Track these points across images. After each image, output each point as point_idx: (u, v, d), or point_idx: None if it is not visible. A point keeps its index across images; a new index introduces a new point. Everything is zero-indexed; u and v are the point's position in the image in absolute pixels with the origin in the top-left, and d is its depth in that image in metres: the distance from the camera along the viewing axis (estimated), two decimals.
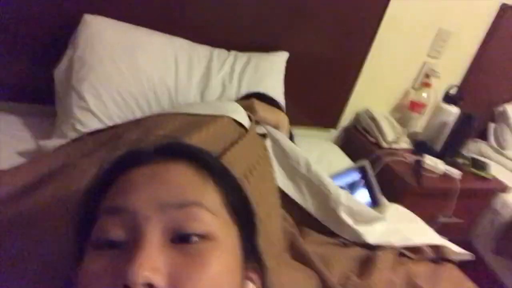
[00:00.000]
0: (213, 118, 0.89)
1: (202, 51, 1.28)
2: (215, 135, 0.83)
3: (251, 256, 0.45)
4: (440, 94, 1.67)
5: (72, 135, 0.99)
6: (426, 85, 1.72)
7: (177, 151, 0.44)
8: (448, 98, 1.63)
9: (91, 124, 1.01)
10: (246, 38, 1.38)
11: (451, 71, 1.82)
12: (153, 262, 0.33)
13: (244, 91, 1.27)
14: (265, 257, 0.48)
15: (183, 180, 0.41)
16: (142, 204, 0.38)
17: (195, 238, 0.37)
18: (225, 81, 1.27)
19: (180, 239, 0.37)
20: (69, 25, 1.09)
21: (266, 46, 1.41)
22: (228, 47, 1.35)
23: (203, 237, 0.37)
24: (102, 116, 1.03)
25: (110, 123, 1.03)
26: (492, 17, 1.74)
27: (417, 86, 1.78)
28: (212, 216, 0.39)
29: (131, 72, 1.09)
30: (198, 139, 0.78)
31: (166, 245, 0.36)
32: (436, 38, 1.70)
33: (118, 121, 1.05)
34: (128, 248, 0.36)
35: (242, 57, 1.34)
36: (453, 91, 1.64)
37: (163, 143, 0.45)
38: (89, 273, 0.35)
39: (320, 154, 1.50)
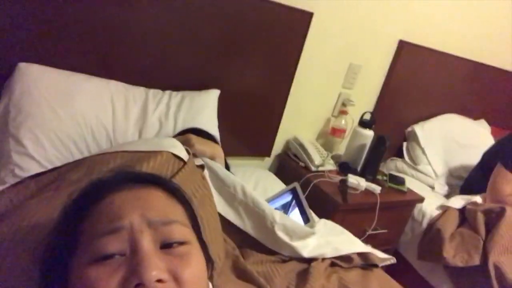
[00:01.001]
0: (153, 153, 0.96)
1: (137, 92, 1.35)
2: (156, 168, 0.90)
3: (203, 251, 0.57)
4: (356, 120, 1.88)
5: (11, 181, 0.99)
6: (344, 112, 1.93)
7: (146, 179, 0.56)
8: (363, 123, 1.84)
9: (31, 168, 1.02)
10: (179, 78, 1.48)
11: (364, 99, 2.05)
12: (156, 264, 0.46)
13: (180, 127, 1.36)
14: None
15: (162, 202, 0.54)
16: (136, 222, 0.49)
17: (176, 245, 0.50)
18: (162, 119, 1.34)
19: (166, 246, 0.49)
20: (2, 74, 1.12)
21: (199, 85, 1.51)
22: (163, 87, 1.44)
23: (182, 243, 0.51)
24: (42, 160, 1.05)
25: (50, 166, 1.05)
26: (393, 51, 2.02)
27: (336, 114, 1.99)
28: (185, 228, 0.53)
29: (69, 115, 1.13)
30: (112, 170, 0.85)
31: (157, 251, 0.48)
32: (348, 71, 1.92)
33: (58, 163, 1.07)
34: (129, 257, 0.47)
35: (177, 96, 1.43)
36: (367, 117, 1.86)
37: (134, 173, 0.58)
38: (96, 279, 0.45)
39: (256, 181, 1.62)
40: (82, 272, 0.47)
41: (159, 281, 0.44)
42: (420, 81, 2.17)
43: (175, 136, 1.21)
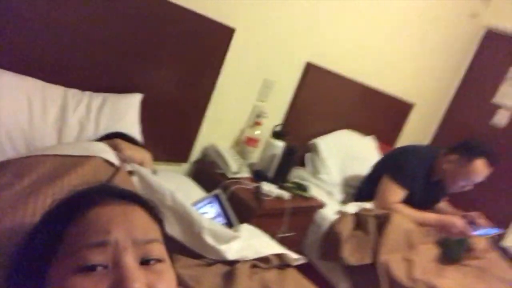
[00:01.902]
0: (85, 158, 0.93)
1: (56, 91, 1.27)
2: (91, 173, 0.88)
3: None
4: (269, 131, 2.02)
5: None
6: (258, 124, 2.05)
7: (128, 196, 0.59)
8: (276, 134, 1.98)
9: None
10: (100, 80, 1.44)
11: (276, 112, 2.21)
12: (139, 278, 0.49)
13: (101, 130, 1.32)
14: None
15: (145, 221, 0.58)
16: (121, 238, 0.52)
17: (154, 261, 0.54)
18: (82, 121, 1.29)
19: (145, 262, 0.53)
20: None
21: (120, 88, 1.48)
22: (82, 88, 1.38)
23: (159, 260, 0.55)
24: None
25: None
26: (301, 71, 2.22)
27: (251, 125, 2.10)
28: (162, 246, 0.58)
29: None
30: (76, 179, 0.83)
31: (138, 267, 0.52)
32: (262, 86, 2.06)
33: None
34: (112, 270, 0.49)
35: (98, 97, 1.38)
36: (278, 128, 2.00)
37: (117, 188, 0.62)
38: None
39: (176, 187, 1.61)
40: (65, 281, 0.48)
41: None
42: (323, 99, 2.42)
43: (100, 140, 1.18)
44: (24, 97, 1.15)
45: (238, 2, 1.73)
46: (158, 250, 0.56)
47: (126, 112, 1.43)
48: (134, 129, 1.43)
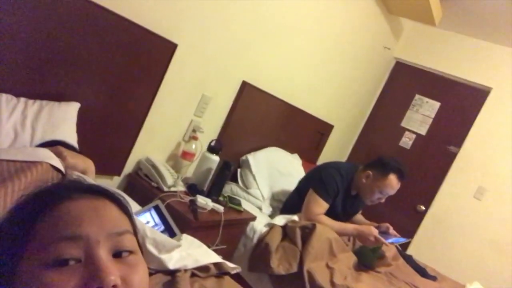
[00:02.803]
0: (32, 163, 0.92)
1: None
2: (38, 179, 0.88)
3: None
4: (205, 145, 2.07)
5: None
6: (194, 138, 2.10)
7: (98, 191, 0.59)
8: (211, 148, 2.04)
9: None
10: (35, 85, 1.39)
11: (212, 127, 2.28)
12: (113, 271, 0.50)
13: (38, 138, 1.27)
14: None
15: (115, 214, 0.58)
16: (93, 232, 0.52)
17: (126, 253, 0.55)
18: (17, 128, 1.24)
19: (118, 255, 0.54)
20: None
21: (57, 95, 1.44)
22: (16, 93, 1.32)
23: (131, 252, 0.56)
24: None
25: None
26: (237, 89, 2.33)
27: (187, 139, 2.14)
28: (133, 238, 0.58)
29: None
30: (24, 184, 0.82)
31: (111, 259, 0.52)
32: (200, 101, 2.12)
33: None
34: (84, 264, 0.50)
35: (33, 104, 1.33)
36: (214, 143, 2.07)
37: (87, 183, 0.61)
38: (53, 283, 0.47)
39: None
40: (35, 276, 0.48)
41: (114, 286, 0.49)
42: (255, 117, 2.55)
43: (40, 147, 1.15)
44: None
45: (182, 18, 1.79)
46: (130, 241, 0.56)
47: (63, 120, 1.39)
48: (72, 138, 1.40)
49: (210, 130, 2.27)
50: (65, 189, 0.57)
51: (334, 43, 2.98)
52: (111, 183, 1.89)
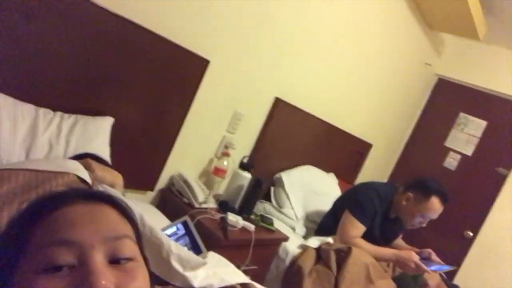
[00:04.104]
0: (59, 174, 0.92)
1: (26, 109, 1.26)
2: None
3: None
4: (237, 162, 2.05)
5: None
6: (226, 154, 2.08)
7: (98, 196, 0.57)
8: (243, 165, 2.01)
9: None
10: (71, 100, 1.43)
11: (244, 144, 2.26)
12: (106, 275, 0.47)
13: (71, 151, 1.30)
14: None
15: (114, 218, 0.55)
16: (88, 237, 0.50)
17: (125, 260, 0.52)
18: (52, 141, 1.27)
19: (115, 261, 0.51)
20: None
21: (92, 110, 1.48)
22: (53, 108, 1.37)
23: (130, 259, 0.52)
24: None
25: None
26: (269, 105, 2.30)
27: (219, 155, 2.13)
28: (133, 244, 0.55)
29: None
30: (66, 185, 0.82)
31: (107, 265, 0.49)
32: (232, 118, 2.11)
33: None
34: (78, 269, 0.47)
35: (69, 118, 1.37)
36: (246, 160, 2.04)
37: (87, 189, 0.58)
38: None
39: None
40: (27, 282, 0.46)
41: None
42: (289, 134, 2.50)
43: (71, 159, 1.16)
44: None
45: (214, 35, 1.81)
46: (129, 247, 0.53)
47: (96, 134, 1.42)
48: (104, 152, 1.42)
49: (243, 147, 2.24)
50: (63, 195, 0.55)
51: (372, 59, 2.90)
52: (145, 198, 1.90)
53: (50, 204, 0.53)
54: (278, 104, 2.31)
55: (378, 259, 2.04)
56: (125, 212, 0.59)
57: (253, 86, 2.14)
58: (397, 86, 3.34)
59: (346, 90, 2.82)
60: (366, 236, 2.13)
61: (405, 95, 3.53)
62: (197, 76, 1.79)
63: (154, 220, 1.59)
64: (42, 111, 1.31)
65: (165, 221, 1.66)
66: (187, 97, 1.80)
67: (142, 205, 1.73)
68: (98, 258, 0.49)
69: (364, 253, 1.99)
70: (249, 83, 2.11)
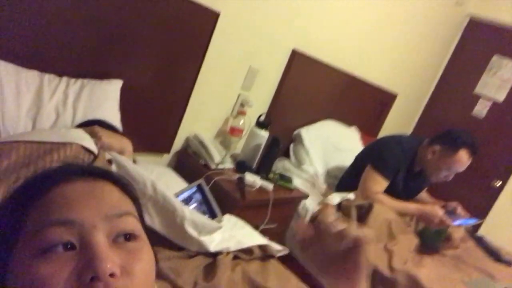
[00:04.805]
0: (61, 145, 0.89)
1: (30, 76, 1.22)
2: (67, 160, 0.85)
3: None
4: (253, 121, 1.99)
5: None
6: (242, 113, 2.02)
7: (98, 173, 0.53)
8: (260, 124, 1.95)
9: None
10: (77, 64, 1.38)
11: (261, 101, 2.18)
12: (110, 257, 0.44)
13: (79, 118, 1.27)
14: None
15: (116, 195, 0.52)
16: (89, 216, 0.46)
17: (128, 238, 0.48)
18: (59, 108, 1.24)
19: (119, 239, 0.48)
20: None
21: (99, 73, 1.43)
22: (59, 73, 1.32)
23: (135, 237, 0.49)
24: None
25: None
26: (286, 59, 2.19)
27: (234, 114, 2.07)
28: (137, 222, 0.52)
29: None
30: (51, 165, 0.79)
31: (110, 245, 0.46)
32: (247, 74, 2.02)
33: None
34: (79, 251, 0.44)
35: (75, 83, 1.33)
36: (262, 118, 1.98)
37: (85, 165, 0.56)
38: (44, 275, 0.42)
39: (157, 178, 1.58)
40: (26, 267, 0.43)
41: (112, 275, 0.43)
42: (307, 88, 2.40)
43: (79, 127, 1.13)
44: None
45: None
46: (133, 224, 0.50)
47: (105, 99, 1.38)
48: (113, 117, 1.39)
49: (259, 104, 2.17)
50: (61, 172, 0.51)
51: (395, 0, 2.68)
52: (161, 161, 1.88)
53: (46, 182, 0.49)
54: (296, 56, 2.19)
55: (401, 214, 1.99)
56: (127, 189, 0.56)
57: (268, 38, 2.01)
58: (424, 29, 3.10)
59: (368, 36, 2.63)
60: (388, 191, 2.07)
61: (432, 39, 3.29)
62: (207, 30, 1.69)
63: (171, 183, 1.59)
64: (47, 77, 1.26)
65: (182, 183, 1.64)
66: (198, 53, 1.72)
67: (158, 168, 1.71)
68: (101, 239, 0.45)
69: (386, 208, 1.95)
70: (264, 36, 1.98)
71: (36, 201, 0.48)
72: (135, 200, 0.57)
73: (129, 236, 0.49)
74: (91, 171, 0.54)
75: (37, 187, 0.49)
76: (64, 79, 1.32)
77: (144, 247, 0.50)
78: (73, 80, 1.33)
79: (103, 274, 0.42)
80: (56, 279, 0.42)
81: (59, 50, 1.32)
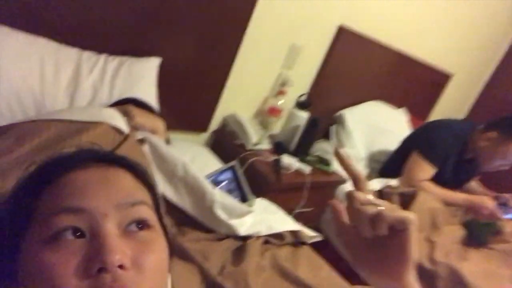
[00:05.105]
0: (91, 124, 0.90)
1: (70, 53, 1.23)
2: (95, 141, 0.84)
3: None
4: (293, 101, 1.92)
5: None
6: (282, 93, 1.96)
7: (113, 160, 0.52)
8: (299, 104, 1.89)
9: None
10: (116, 42, 1.38)
11: (302, 81, 2.10)
12: (120, 248, 0.42)
13: (116, 96, 1.28)
14: None
15: (129, 183, 0.50)
16: (100, 204, 0.45)
17: (141, 228, 0.47)
18: (96, 85, 1.25)
19: (131, 229, 0.46)
20: None
21: (138, 51, 1.43)
22: (98, 50, 1.33)
23: (148, 227, 0.48)
24: None
25: None
26: (332, 35, 2.08)
27: (274, 94, 2.02)
28: (151, 211, 0.50)
29: None
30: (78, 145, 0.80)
31: (122, 235, 0.45)
32: (289, 52, 1.95)
33: None
34: (89, 240, 0.43)
35: (113, 61, 1.33)
36: (303, 98, 1.91)
37: (100, 151, 0.54)
38: (52, 263, 0.41)
39: (192, 157, 1.59)
40: (35, 254, 0.42)
41: (121, 266, 0.42)
42: (353, 68, 2.28)
43: (112, 106, 1.14)
44: (36, 59, 1.12)
45: None
46: (146, 214, 0.48)
47: (142, 76, 1.38)
48: (150, 95, 1.39)
49: (300, 84, 2.09)
50: (74, 158, 0.50)
51: None
52: (198, 140, 1.88)
53: (59, 168, 0.48)
54: (342, 33, 2.07)
55: (448, 204, 1.88)
56: (142, 177, 0.54)
57: (312, 14, 1.90)
58: (487, 4, 2.82)
59: (424, 11, 2.42)
60: (435, 179, 1.95)
61: (494, 15, 2.98)
62: (248, 6, 1.63)
63: (206, 162, 1.59)
64: (86, 54, 1.28)
65: (217, 163, 1.64)
66: (238, 30, 1.67)
67: (194, 147, 1.71)
68: (111, 228, 0.44)
69: (431, 197, 1.85)
70: (308, 11, 1.88)
71: (48, 187, 0.47)
72: (151, 188, 0.55)
73: (141, 225, 0.47)
74: (106, 157, 0.52)
75: (49, 172, 0.48)
76: (103, 56, 1.32)
77: (157, 238, 0.49)
78: (111, 57, 1.34)
79: (111, 265, 0.40)
80: (64, 268, 0.41)
81: (99, 27, 1.32)
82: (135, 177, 0.52)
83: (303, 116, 1.86)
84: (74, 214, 0.44)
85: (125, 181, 0.50)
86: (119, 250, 0.42)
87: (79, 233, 0.43)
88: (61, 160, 0.50)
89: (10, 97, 1.04)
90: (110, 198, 0.46)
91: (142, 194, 0.51)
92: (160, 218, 0.55)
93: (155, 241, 0.48)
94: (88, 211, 0.44)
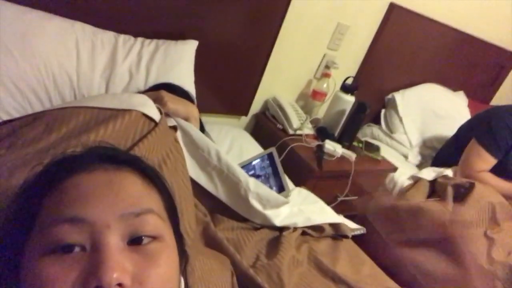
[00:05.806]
0: (121, 112, 0.87)
1: (106, 37, 1.21)
2: (123, 130, 0.82)
3: (178, 246, 0.50)
4: (339, 84, 1.81)
5: None
6: (326, 75, 1.86)
7: (122, 160, 0.48)
8: (345, 88, 1.77)
9: None
10: (153, 25, 1.35)
11: (348, 62, 1.98)
12: (121, 265, 0.39)
13: (152, 80, 1.25)
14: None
15: (137, 189, 0.46)
16: (102, 214, 0.42)
17: (147, 240, 0.44)
18: (132, 70, 1.23)
19: (136, 241, 0.43)
20: None
21: (175, 34, 1.39)
22: (134, 33, 1.31)
23: (154, 238, 0.44)
24: None
25: (6, 117, 0.95)
26: (382, 13, 1.93)
27: (318, 76, 1.91)
28: (160, 220, 0.46)
29: (26, 59, 1.00)
30: (104, 135, 0.77)
31: (125, 248, 0.42)
32: (335, 32, 1.83)
33: (15, 114, 0.97)
34: (89, 253, 0.40)
35: (150, 44, 1.30)
36: (349, 81, 1.79)
37: (107, 151, 0.50)
38: (48, 277, 0.39)
39: (232, 141, 1.55)
40: (34, 265, 0.40)
41: (120, 285, 0.38)
42: (406, 48, 2.11)
43: (145, 92, 1.11)
44: (72, 43, 1.11)
45: None
46: (153, 224, 0.45)
47: (180, 60, 1.34)
48: (187, 79, 1.35)
49: (346, 66, 1.96)
50: (80, 159, 0.47)
51: None
52: (238, 123, 1.84)
53: (62, 170, 0.45)
54: (394, 10, 1.91)
55: (509, 197, 1.70)
56: (153, 179, 0.50)
57: None
58: None
59: None
60: (496, 170, 1.78)
61: None
62: None
63: (246, 147, 1.54)
64: (122, 38, 1.26)
65: (257, 148, 1.59)
66: (279, 9, 1.58)
67: (234, 131, 1.67)
68: (114, 241, 0.41)
69: (491, 190, 1.69)
70: None
71: (52, 190, 0.44)
72: (163, 190, 0.51)
73: (147, 237, 0.44)
74: (114, 158, 0.49)
75: (54, 174, 0.45)
76: (139, 39, 1.30)
77: (164, 250, 0.45)
78: (148, 41, 1.31)
79: (107, 284, 0.37)
80: (61, 282, 0.38)
81: (135, 10, 1.30)
82: (145, 179, 0.49)
83: (349, 100, 1.75)
84: (75, 225, 0.41)
85: (132, 186, 0.47)
86: (119, 267, 0.39)
87: (79, 247, 0.41)
88: (66, 163, 0.47)
89: (47, 83, 1.04)
90: (114, 208, 0.43)
91: (150, 200, 0.47)
92: (176, 224, 0.52)
93: (161, 253, 0.44)
94: (90, 222, 0.41)
